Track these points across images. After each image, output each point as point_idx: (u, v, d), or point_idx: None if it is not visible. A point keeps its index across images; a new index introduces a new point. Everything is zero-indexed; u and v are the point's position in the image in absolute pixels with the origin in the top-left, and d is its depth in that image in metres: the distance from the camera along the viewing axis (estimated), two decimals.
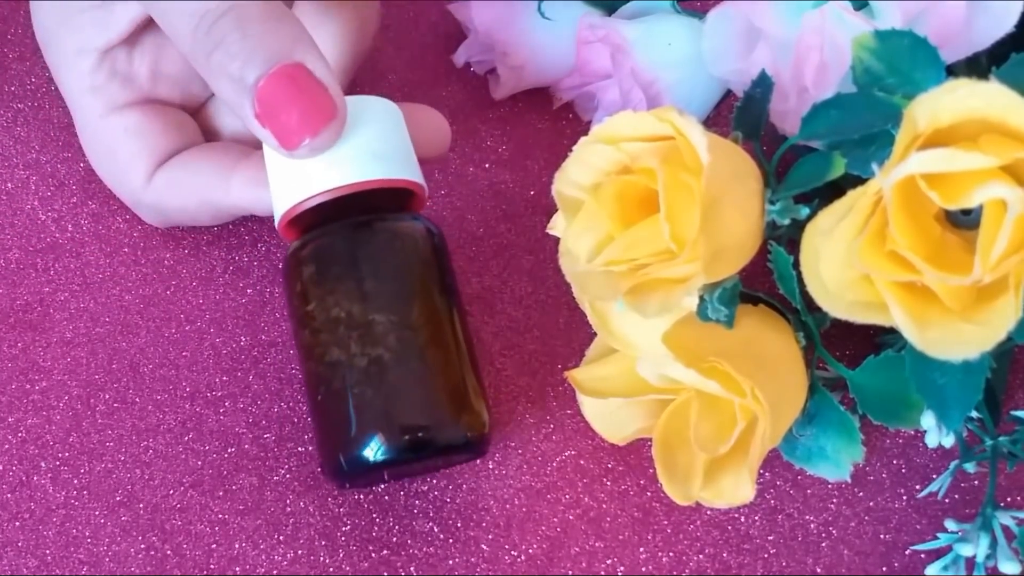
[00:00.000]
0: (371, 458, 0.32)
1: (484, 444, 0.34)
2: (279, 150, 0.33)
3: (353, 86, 0.46)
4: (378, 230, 0.34)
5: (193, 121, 0.41)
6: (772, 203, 0.32)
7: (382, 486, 0.37)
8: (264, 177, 0.36)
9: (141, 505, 0.37)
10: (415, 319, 0.33)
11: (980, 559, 0.35)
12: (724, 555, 0.37)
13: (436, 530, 0.37)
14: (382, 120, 0.35)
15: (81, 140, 0.40)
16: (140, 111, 0.39)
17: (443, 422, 0.33)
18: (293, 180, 0.34)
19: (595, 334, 0.36)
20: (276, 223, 0.35)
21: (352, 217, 0.34)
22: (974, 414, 0.36)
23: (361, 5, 0.40)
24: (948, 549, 0.36)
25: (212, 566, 0.36)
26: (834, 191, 0.30)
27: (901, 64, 0.31)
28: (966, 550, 0.35)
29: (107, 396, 0.38)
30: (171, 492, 0.37)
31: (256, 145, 0.39)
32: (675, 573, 0.36)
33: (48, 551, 0.36)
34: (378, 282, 0.33)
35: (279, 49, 0.32)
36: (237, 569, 0.36)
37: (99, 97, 0.39)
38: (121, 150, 0.39)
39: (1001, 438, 0.36)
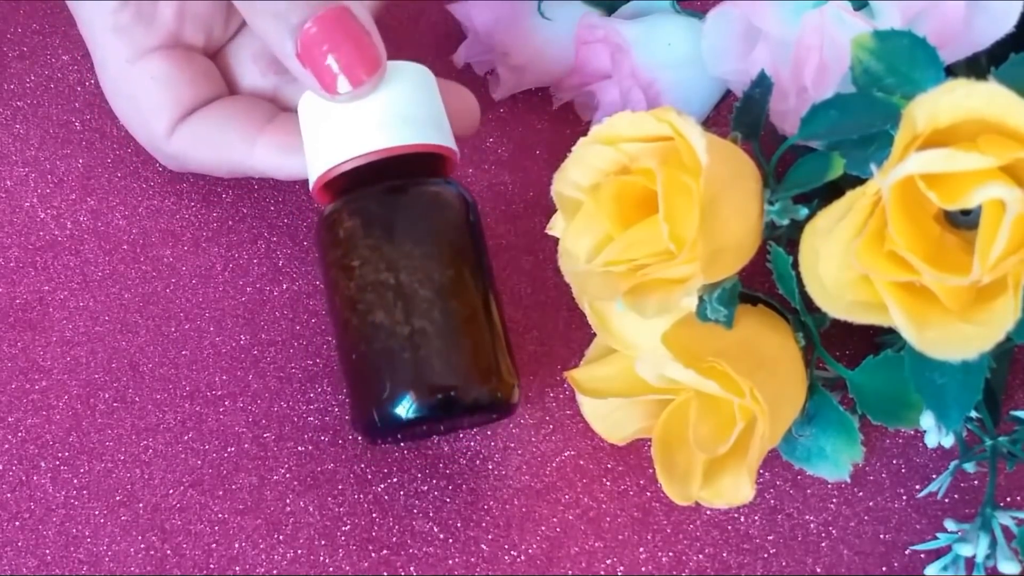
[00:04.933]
0: (404, 416, 0.33)
1: (512, 404, 0.35)
2: (319, 91, 0.33)
3: None
4: (423, 194, 0.35)
5: (218, 71, 0.40)
6: (771, 203, 0.32)
7: (382, 487, 0.37)
8: (289, 144, 0.37)
9: (141, 505, 0.37)
10: (457, 289, 0.34)
11: (979, 559, 0.35)
12: (724, 555, 0.37)
13: (436, 530, 0.37)
14: (417, 84, 0.35)
15: (101, 80, 0.40)
16: (167, 58, 0.38)
17: (473, 383, 0.33)
18: (330, 142, 0.34)
19: (595, 334, 0.36)
20: (311, 185, 0.35)
21: (386, 181, 0.34)
22: (973, 414, 0.36)
23: None
24: (948, 549, 0.36)
25: (212, 566, 0.36)
26: (833, 191, 0.30)
27: (900, 64, 0.31)
28: (966, 550, 0.35)
29: (107, 395, 0.38)
30: (171, 491, 0.37)
31: (274, 101, 0.40)
32: (675, 573, 0.36)
33: (48, 551, 0.36)
34: (425, 248, 0.34)
35: None
36: (237, 569, 0.36)
37: (124, 39, 0.38)
38: (145, 98, 0.38)
39: (1001, 438, 0.36)
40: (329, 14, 0.32)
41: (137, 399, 0.38)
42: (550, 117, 0.46)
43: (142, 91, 0.38)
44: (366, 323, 0.33)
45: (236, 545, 0.36)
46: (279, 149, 0.38)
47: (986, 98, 0.26)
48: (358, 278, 0.34)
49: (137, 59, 0.38)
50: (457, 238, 0.35)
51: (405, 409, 0.33)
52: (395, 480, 0.37)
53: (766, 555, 0.37)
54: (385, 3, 0.40)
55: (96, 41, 0.39)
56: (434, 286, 0.33)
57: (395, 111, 0.34)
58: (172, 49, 0.39)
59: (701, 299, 0.33)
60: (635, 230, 0.31)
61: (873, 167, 0.28)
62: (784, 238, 0.34)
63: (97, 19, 0.38)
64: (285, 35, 0.33)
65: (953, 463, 0.37)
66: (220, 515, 0.36)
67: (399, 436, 0.36)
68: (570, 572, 0.36)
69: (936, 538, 0.36)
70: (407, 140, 0.34)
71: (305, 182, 0.38)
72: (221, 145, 0.38)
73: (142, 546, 0.36)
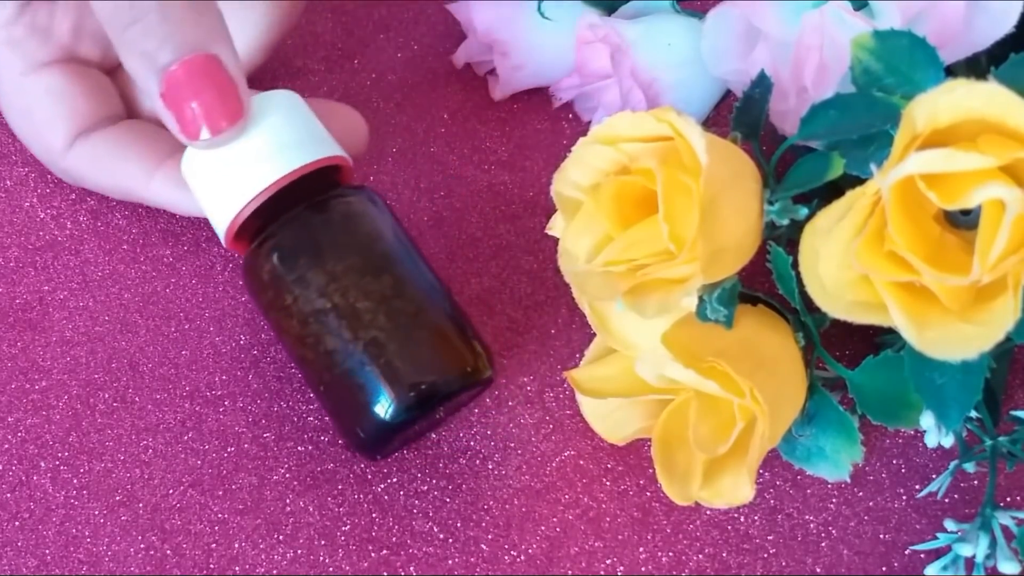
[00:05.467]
0: (388, 423, 0.33)
1: (487, 375, 0.35)
2: (179, 135, 0.33)
3: (350, 89, 0.46)
4: (331, 210, 0.35)
5: (114, 86, 0.40)
6: (771, 203, 0.32)
7: (382, 487, 0.37)
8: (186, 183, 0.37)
9: (140, 504, 0.37)
10: (395, 290, 0.34)
11: (979, 559, 0.35)
12: (724, 555, 0.37)
13: (436, 530, 0.37)
14: (287, 109, 0.35)
15: None
16: (61, 71, 0.38)
17: (442, 370, 0.34)
18: (223, 193, 0.35)
19: (595, 334, 0.36)
20: (223, 239, 0.35)
21: (288, 210, 0.34)
22: (973, 414, 0.36)
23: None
24: (947, 549, 0.36)
25: (212, 566, 0.36)
26: (833, 191, 0.30)
27: (900, 64, 0.31)
28: (965, 550, 0.35)
29: (106, 395, 0.38)
30: (170, 491, 0.37)
31: None
32: (675, 573, 0.36)
33: (48, 551, 0.36)
34: (349, 263, 0.34)
35: (196, 38, 0.32)
36: (236, 569, 0.36)
37: (17, 52, 0.38)
38: (40, 111, 0.38)
39: (1001, 438, 0.36)
40: (196, 59, 0.32)
41: (137, 399, 0.38)
42: (550, 117, 0.46)
43: (37, 104, 0.38)
44: (320, 353, 0.34)
45: (236, 545, 0.36)
46: (177, 185, 0.38)
47: (986, 98, 0.26)
48: (296, 314, 0.34)
49: (31, 72, 0.38)
50: (379, 241, 0.35)
51: (387, 417, 0.33)
52: (395, 480, 0.37)
53: (766, 555, 0.37)
54: (266, 50, 0.41)
55: None
56: (372, 296, 0.33)
57: (275, 141, 0.34)
58: (67, 63, 0.39)
59: (701, 299, 0.33)
60: (635, 230, 0.31)
61: (873, 167, 0.28)
62: (784, 238, 0.34)
63: None
64: (151, 74, 0.32)
65: (953, 463, 0.37)
66: (220, 515, 0.36)
67: (394, 443, 0.36)
68: (570, 572, 0.36)
69: (936, 538, 0.36)
70: (294, 164, 0.34)
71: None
72: (118, 171, 0.39)
73: (142, 546, 0.36)
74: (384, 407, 0.33)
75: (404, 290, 0.34)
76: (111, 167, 0.39)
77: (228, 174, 0.34)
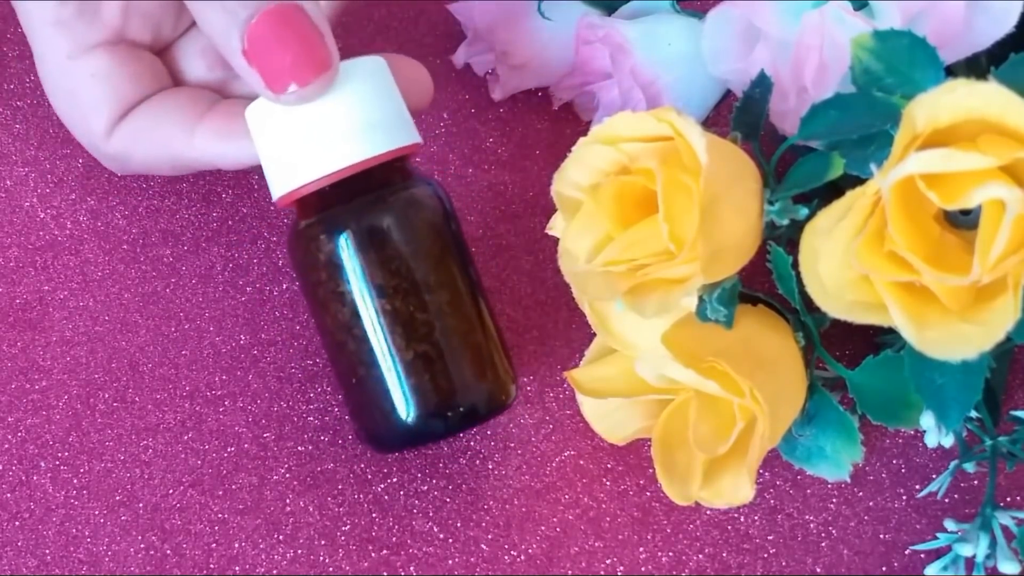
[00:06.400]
0: (413, 433, 0.34)
1: (510, 402, 0.35)
2: (264, 92, 0.32)
3: None
4: (400, 203, 0.34)
5: (164, 68, 0.39)
6: (771, 203, 0.32)
7: (382, 487, 0.37)
8: (230, 130, 0.35)
9: (141, 504, 0.37)
10: (452, 306, 0.34)
11: (979, 559, 0.35)
12: (724, 555, 0.37)
13: (436, 530, 0.37)
14: (376, 81, 0.34)
15: (40, 75, 0.38)
16: (109, 54, 0.37)
17: (477, 395, 0.34)
18: (294, 155, 0.33)
19: (595, 334, 0.36)
20: (277, 197, 0.34)
21: (354, 187, 0.33)
22: (973, 414, 0.36)
23: None
24: (948, 549, 0.36)
25: (212, 566, 0.36)
26: (833, 191, 0.30)
27: (900, 64, 0.31)
28: (966, 550, 0.35)
29: (106, 395, 0.38)
30: (170, 491, 0.37)
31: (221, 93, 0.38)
32: (675, 573, 0.36)
33: (48, 551, 0.36)
34: (417, 270, 0.33)
35: None
36: (237, 569, 0.36)
37: (65, 33, 0.36)
38: (85, 96, 0.37)
39: (1001, 438, 0.36)
40: (279, 10, 0.31)
41: (137, 399, 0.38)
42: (550, 117, 0.46)
43: (81, 88, 0.37)
44: (364, 348, 0.33)
45: (236, 545, 0.36)
46: (220, 136, 0.36)
47: (986, 98, 0.26)
48: (350, 303, 0.33)
49: (78, 55, 0.37)
50: (447, 253, 0.34)
51: (415, 427, 0.33)
52: (395, 480, 0.37)
53: (766, 555, 0.37)
54: (346, 5, 0.38)
55: (35, 34, 0.37)
56: (430, 310, 0.33)
57: (360, 117, 0.33)
58: (115, 45, 0.37)
59: (701, 299, 0.33)
60: (635, 230, 0.31)
61: (873, 167, 0.28)
62: (784, 238, 0.34)
63: (36, 12, 0.36)
64: (232, 30, 0.31)
65: (953, 463, 0.37)
66: (220, 515, 0.36)
67: (406, 448, 0.36)
68: (570, 572, 0.36)
69: (936, 538, 0.36)
70: (378, 149, 0.33)
71: None
72: (160, 138, 0.37)
73: (142, 546, 0.36)
74: (418, 420, 0.33)
75: (460, 308, 0.34)
76: (153, 135, 0.37)
77: (305, 138, 0.33)
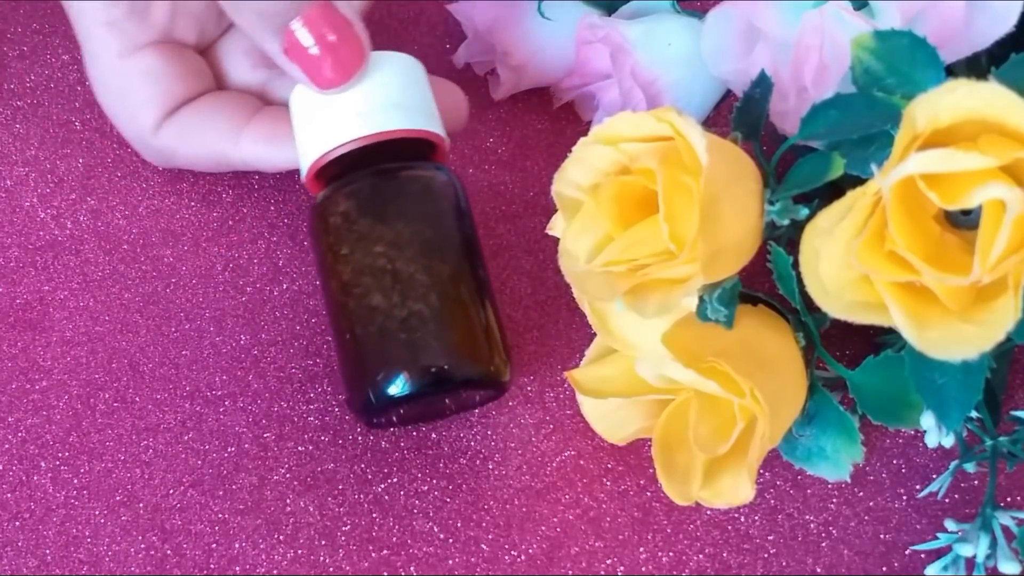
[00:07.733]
0: (398, 392, 0.33)
1: (503, 382, 0.35)
2: (308, 85, 0.35)
3: None
4: (415, 179, 0.35)
5: (208, 67, 0.41)
6: (771, 203, 0.32)
7: (382, 487, 0.37)
8: (274, 135, 0.38)
9: (141, 505, 0.37)
10: (452, 279, 0.34)
11: (980, 559, 0.35)
12: (724, 555, 0.37)
13: (436, 530, 0.37)
14: (406, 73, 0.37)
15: (90, 74, 0.40)
16: (157, 53, 0.39)
17: (465, 361, 0.34)
18: (320, 131, 0.36)
19: (595, 334, 0.36)
20: (303, 174, 0.36)
21: (373, 161, 0.35)
22: (974, 414, 0.36)
23: None
24: (948, 549, 0.36)
25: (212, 566, 0.36)
26: (833, 191, 0.30)
27: (900, 64, 0.31)
28: (966, 550, 0.35)
29: (107, 395, 0.38)
30: (171, 491, 0.37)
31: (263, 95, 0.41)
32: (675, 573, 0.36)
33: (48, 551, 0.36)
34: (422, 235, 0.34)
35: None
36: (237, 569, 0.36)
37: (115, 33, 0.38)
38: (134, 93, 0.39)
39: (1001, 438, 0.36)
40: (313, 10, 0.34)
41: (137, 399, 0.38)
42: (550, 117, 0.46)
43: (131, 86, 0.39)
44: (362, 306, 0.34)
45: (236, 545, 0.36)
46: (264, 140, 0.39)
47: (986, 98, 0.26)
48: (354, 262, 0.34)
49: (129, 54, 0.39)
50: (455, 228, 0.35)
51: (399, 387, 0.33)
52: (395, 480, 0.37)
53: (766, 555, 0.37)
54: (371, 4, 0.41)
55: (88, 34, 0.39)
56: (431, 274, 0.34)
57: (383, 98, 0.35)
58: (163, 44, 0.39)
59: (701, 299, 0.33)
60: (635, 230, 0.31)
61: (873, 167, 0.28)
62: (784, 238, 0.34)
63: (89, 12, 0.38)
64: (271, 34, 0.34)
65: (953, 463, 0.37)
66: (220, 515, 0.36)
67: (394, 416, 0.36)
68: (570, 572, 0.36)
69: (936, 538, 0.36)
70: (395, 125, 0.35)
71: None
72: (207, 137, 0.39)
73: (142, 546, 0.36)
74: (403, 376, 0.33)
75: (460, 282, 0.34)
76: (200, 135, 0.39)
77: (330, 115, 0.35)
